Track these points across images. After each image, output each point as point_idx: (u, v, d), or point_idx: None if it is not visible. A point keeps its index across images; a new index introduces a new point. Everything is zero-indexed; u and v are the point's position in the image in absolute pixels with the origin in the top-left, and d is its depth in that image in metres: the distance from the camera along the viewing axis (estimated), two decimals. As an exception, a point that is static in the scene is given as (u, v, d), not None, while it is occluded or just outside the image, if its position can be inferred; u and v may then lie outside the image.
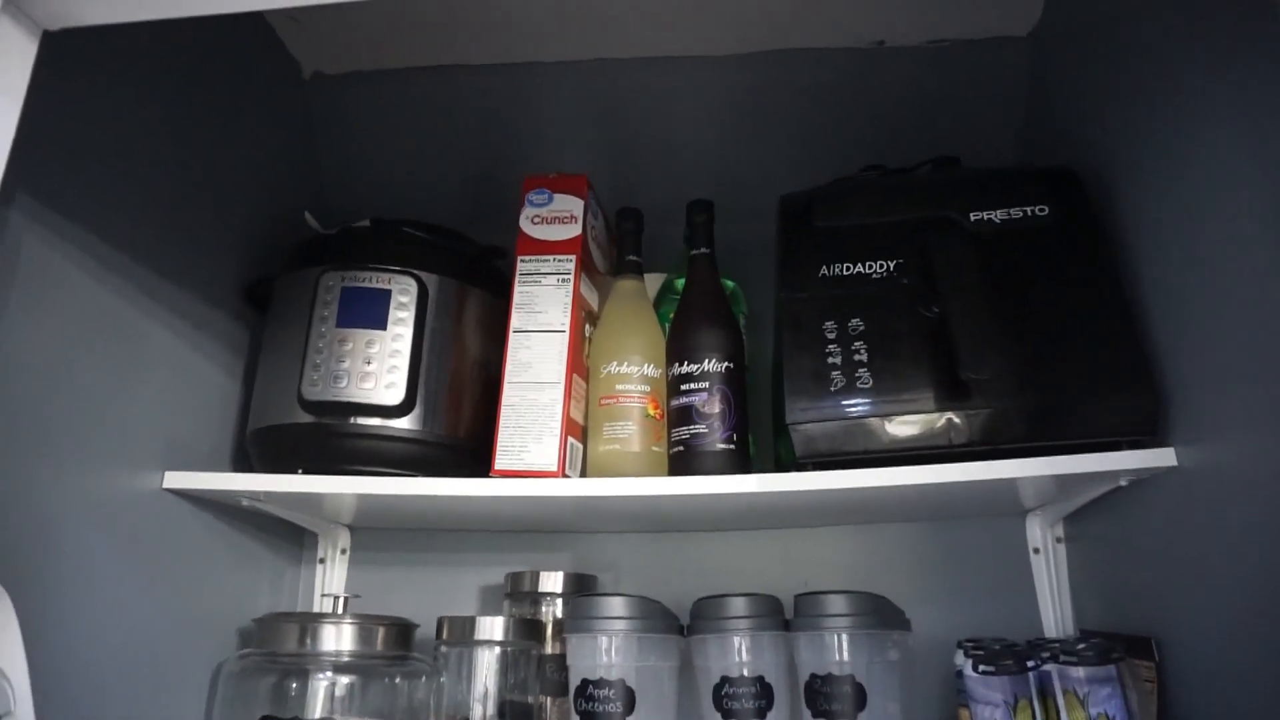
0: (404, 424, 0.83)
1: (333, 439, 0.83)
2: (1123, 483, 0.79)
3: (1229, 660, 0.68)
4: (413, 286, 0.86)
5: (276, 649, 0.83)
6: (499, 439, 0.81)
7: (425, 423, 0.84)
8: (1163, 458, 0.74)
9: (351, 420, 0.83)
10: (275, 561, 1.02)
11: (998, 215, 0.82)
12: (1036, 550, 0.99)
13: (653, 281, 0.98)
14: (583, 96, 1.09)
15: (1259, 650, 0.64)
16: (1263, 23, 0.59)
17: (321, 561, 1.07)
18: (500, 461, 0.81)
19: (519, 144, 1.13)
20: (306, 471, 0.82)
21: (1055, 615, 0.96)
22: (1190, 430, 0.72)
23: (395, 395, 0.82)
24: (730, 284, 0.97)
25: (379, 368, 0.82)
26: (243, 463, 0.93)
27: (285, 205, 1.01)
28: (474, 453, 0.86)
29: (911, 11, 1.00)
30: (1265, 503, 0.62)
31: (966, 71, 1.05)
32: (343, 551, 1.07)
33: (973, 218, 0.82)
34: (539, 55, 1.07)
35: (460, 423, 0.87)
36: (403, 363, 0.83)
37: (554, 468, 0.80)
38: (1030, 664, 0.77)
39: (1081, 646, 0.76)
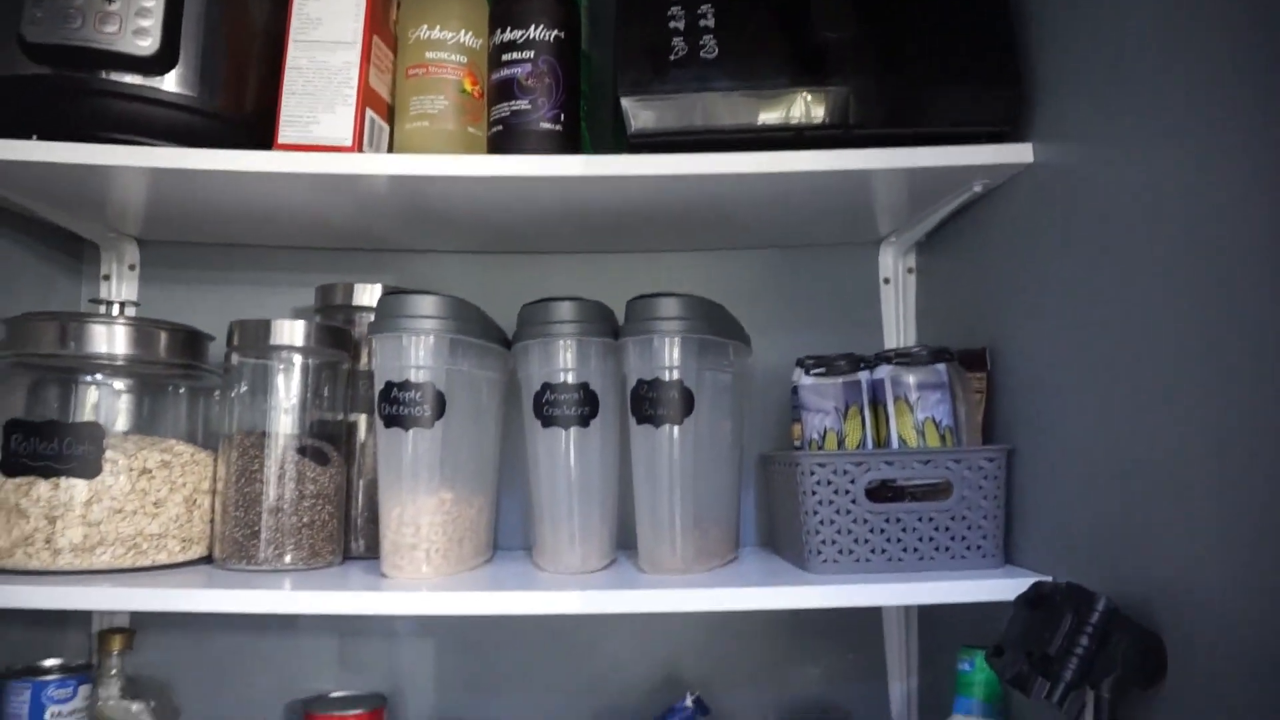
0: (168, 84, 0.69)
1: (73, 98, 0.68)
2: (977, 188, 0.74)
3: (1053, 367, 0.66)
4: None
5: (32, 349, 0.72)
6: (283, 107, 0.69)
7: (194, 85, 0.69)
8: (1020, 154, 0.69)
9: (101, 74, 0.67)
10: (43, 270, 0.88)
11: None
12: (887, 280, 0.95)
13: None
14: None
15: (1083, 357, 0.62)
16: None
17: (106, 278, 0.93)
18: (285, 134, 0.69)
19: None
20: (43, 139, 0.68)
21: (899, 342, 0.94)
22: (1049, 127, 0.67)
23: (147, 43, 0.66)
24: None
25: (124, 6, 0.66)
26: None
27: None
28: (264, 129, 0.72)
29: None
30: (1110, 206, 0.58)
31: None
32: (131, 267, 0.93)
33: None
34: None
35: (242, 88, 0.73)
36: (155, 2, 0.67)
37: (348, 142, 0.68)
38: (862, 366, 0.74)
39: (914, 349, 0.74)
